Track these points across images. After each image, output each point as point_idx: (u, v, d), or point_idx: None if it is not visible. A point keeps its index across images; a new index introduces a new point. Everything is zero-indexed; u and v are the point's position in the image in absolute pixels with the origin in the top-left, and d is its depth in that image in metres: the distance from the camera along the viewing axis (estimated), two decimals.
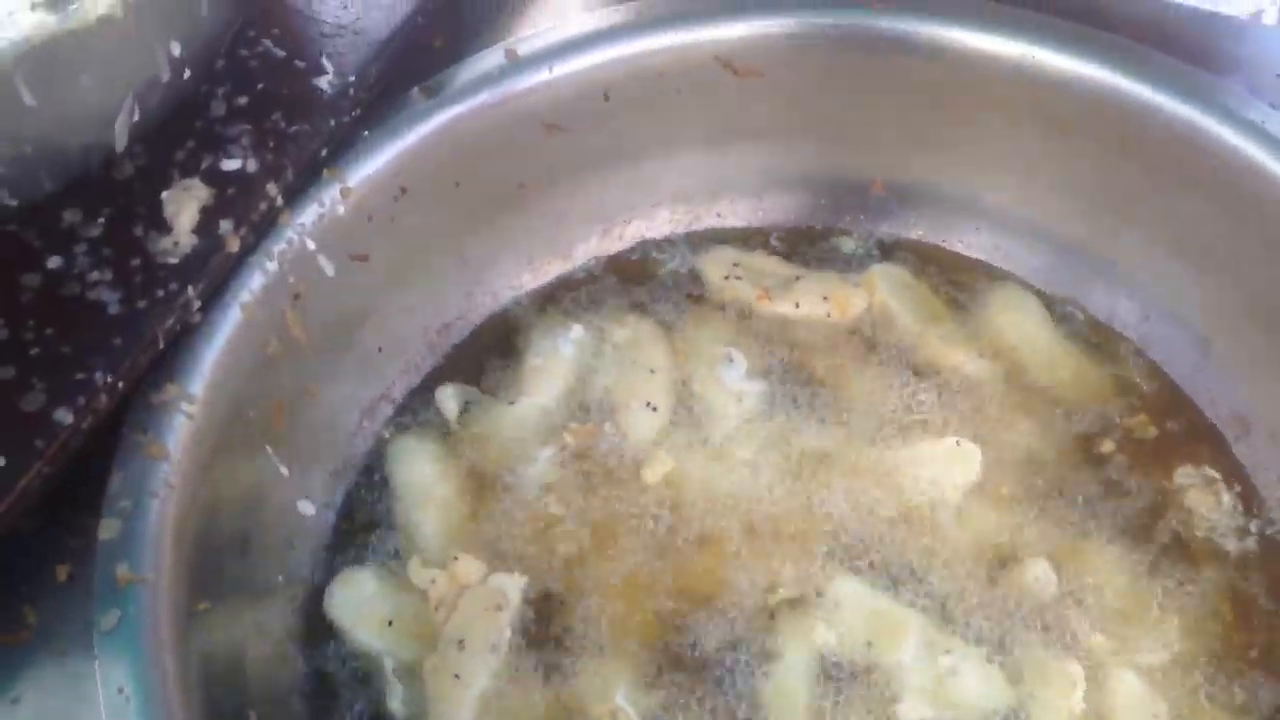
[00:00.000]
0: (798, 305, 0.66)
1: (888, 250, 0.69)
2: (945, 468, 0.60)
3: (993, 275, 0.68)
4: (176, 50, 0.48)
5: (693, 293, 0.68)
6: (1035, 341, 0.65)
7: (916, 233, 0.69)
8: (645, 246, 0.70)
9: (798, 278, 0.68)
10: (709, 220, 0.71)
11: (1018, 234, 0.67)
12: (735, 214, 0.71)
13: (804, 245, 0.70)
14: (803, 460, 0.61)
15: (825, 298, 0.66)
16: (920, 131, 0.66)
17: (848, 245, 0.70)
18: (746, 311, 0.67)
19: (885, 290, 0.66)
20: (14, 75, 0.41)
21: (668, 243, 0.71)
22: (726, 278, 0.68)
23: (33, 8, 0.41)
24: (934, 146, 0.66)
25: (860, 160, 0.68)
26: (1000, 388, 0.63)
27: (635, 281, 0.69)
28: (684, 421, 0.63)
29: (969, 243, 0.68)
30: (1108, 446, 0.61)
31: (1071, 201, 0.64)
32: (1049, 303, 0.66)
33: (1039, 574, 0.56)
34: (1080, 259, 0.66)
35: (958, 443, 0.60)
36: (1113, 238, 0.64)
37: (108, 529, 0.47)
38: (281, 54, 0.59)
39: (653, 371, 0.65)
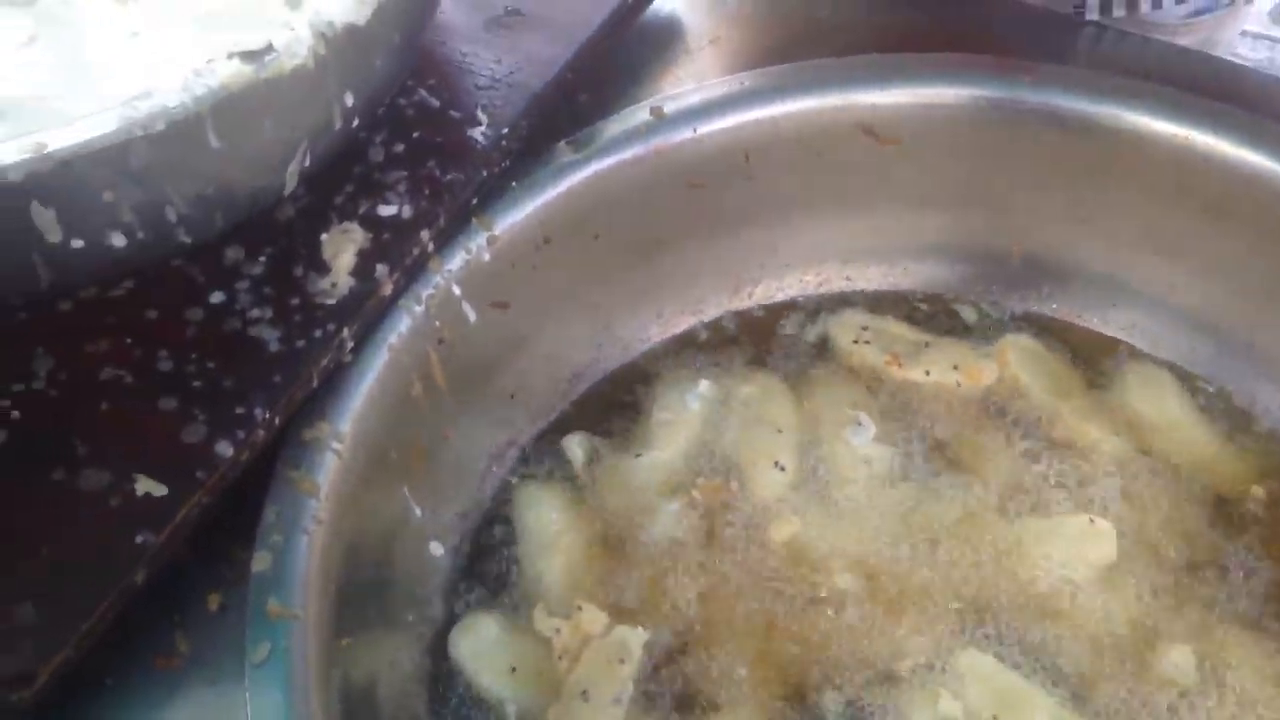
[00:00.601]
0: (928, 373, 0.66)
1: (1021, 322, 0.69)
2: (1078, 546, 0.59)
3: (1129, 353, 0.67)
4: (350, 100, 0.50)
5: (821, 354, 0.69)
6: (1172, 420, 0.64)
7: (1051, 306, 0.69)
8: (775, 306, 0.71)
9: (927, 344, 0.67)
10: (839, 283, 0.71)
11: (1157, 313, 0.66)
12: (866, 278, 0.71)
13: (935, 312, 0.70)
14: (930, 528, 0.61)
15: (956, 366, 0.66)
16: (1063, 205, 0.65)
17: (980, 314, 0.69)
18: (875, 376, 0.67)
19: (1017, 362, 0.66)
20: (205, 120, 0.43)
21: (798, 303, 0.71)
22: (855, 341, 0.68)
23: (230, 56, 0.43)
24: (1076, 221, 0.66)
25: (998, 230, 0.68)
26: (1135, 466, 0.62)
27: (764, 340, 0.70)
28: (810, 483, 0.63)
29: (1105, 319, 0.68)
30: (1247, 529, 0.60)
31: (1216, 283, 0.64)
32: (1187, 383, 0.65)
33: (1177, 660, 0.55)
34: (1222, 341, 0.65)
35: (1091, 521, 0.59)
36: (1257, 322, 0.63)
37: (260, 562, 0.48)
38: (437, 103, 0.61)
39: (780, 431, 0.65)
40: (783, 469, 0.63)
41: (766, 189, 0.67)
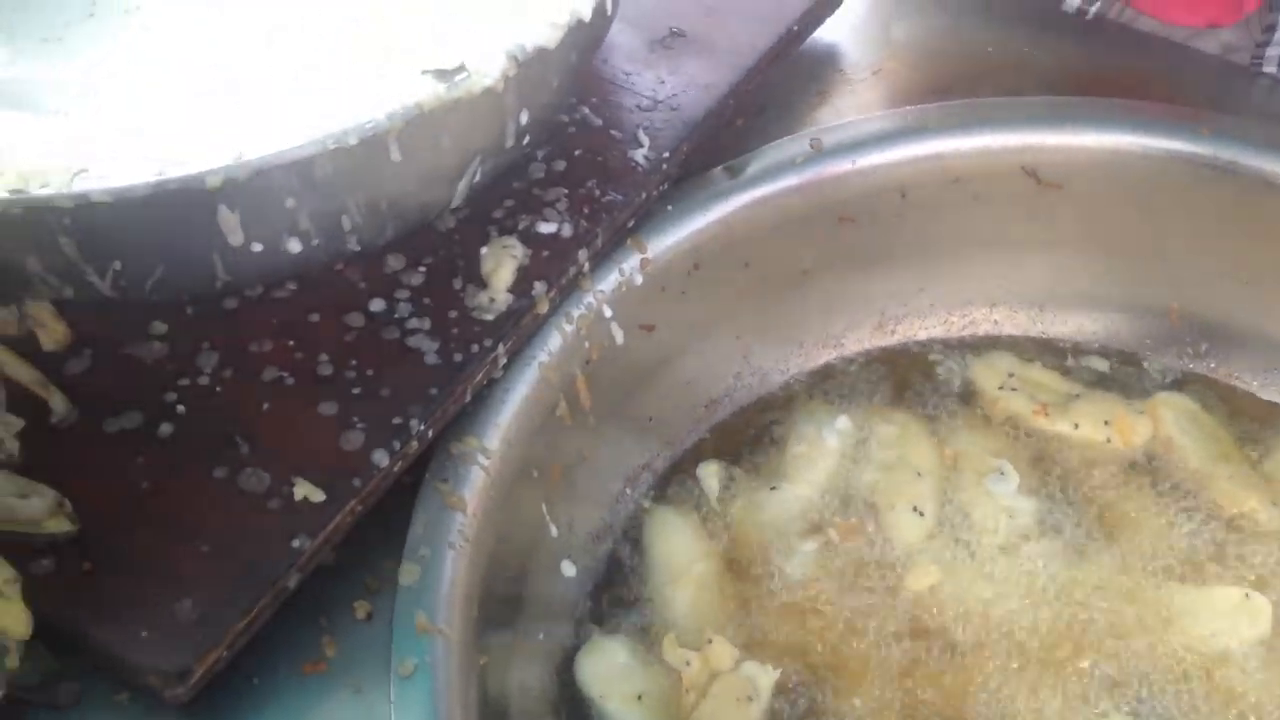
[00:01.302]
0: (1076, 426, 0.64)
1: (1177, 380, 0.66)
2: (1230, 619, 0.57)
3: None
4: (524, 118, 0.50)
5: (964, 398, 0.67)
6: None
7: (1209, 365, 0.66)
8: (919, 344, 0.70)
9: (1077, 396, 0.66)
10: (987, 326, 0.70)
11: None
12: (1015, 323, 0.70)
13: (1086, 363, 0.68)
14: (1073, 588, 0.59)
15: (1106, 422, 0.64)
16: (1229, 263, 0.63)
17: (1133, 369, 0.67)
18: (1020, 425, 0.65)
19: (1172, 421, 0.63)
20: (392, 136, 0.43)
21: (942, 343, 0.70)
22: (1001, 387, 0.67)
23: (423, 74, 0.43)
24: (1241, 281, 0.63)
25: (1157, 284, 0.66)
26: None
27: (906, 379, 0.68)
28: (949, 531, 0.61)
29: (1266, 383, 0.65)
30: None
31: None
32: None
33: None
34: None
35: (1246, 595, 0.57)
36: None
37: (408, 574, 0.48)
38: (599, 122, 0.60)
39: (919, 474, 0.63)
40: (921, 514, 0.61)
41: (919, 226, 0.66)
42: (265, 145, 0.41)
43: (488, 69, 0.43)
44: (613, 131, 0.60)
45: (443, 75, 0.43)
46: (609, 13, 0.47)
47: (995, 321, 0.70)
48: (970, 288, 0.69)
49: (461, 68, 0.43)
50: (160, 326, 0.52)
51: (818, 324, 0.68)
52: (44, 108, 0.57)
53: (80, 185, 0.39)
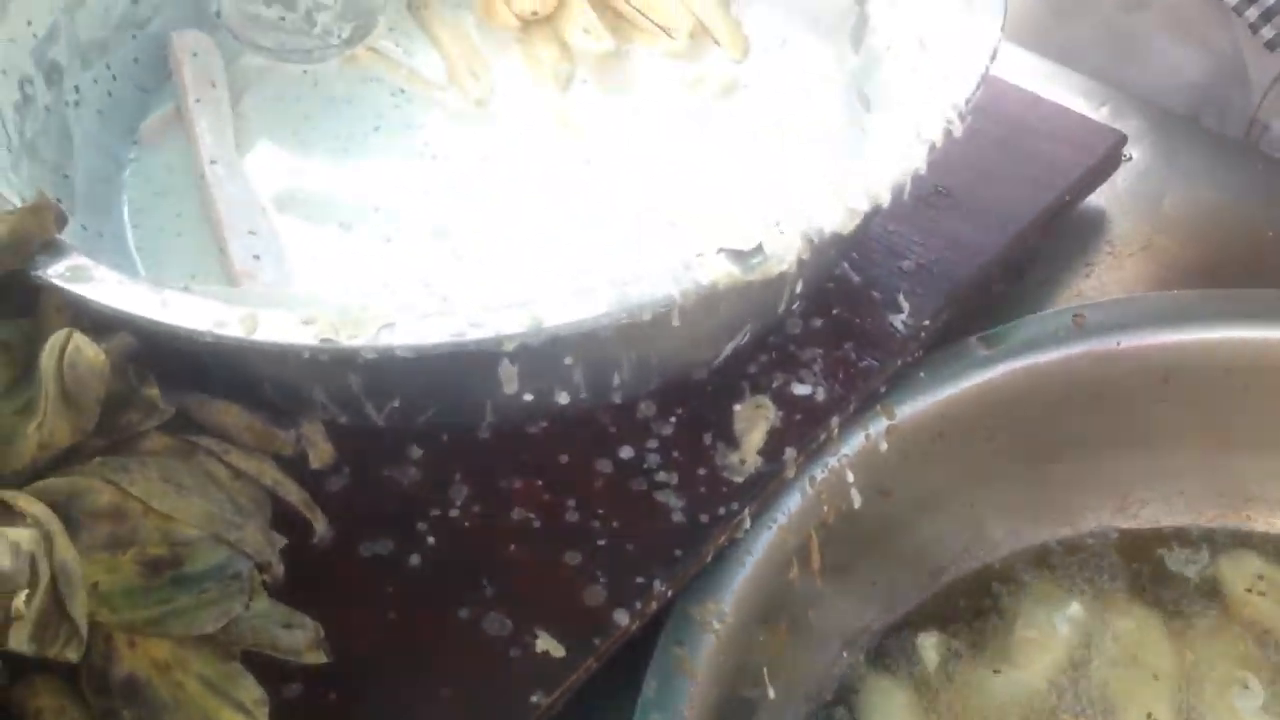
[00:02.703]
0: None
1: None
2: None
3: None
4: (800, 287, 0.49)
5: (1209, 597, 0.63)
6: None
7: None
8: (1161, 532, 0.66)
9: None
10: (1236, 521, 0.66)
11: None
12: (1270, 522, 0.65)
13: None
14: None
15: None
16: None
17: None
18: (1270, 634, 0.61)
19: None
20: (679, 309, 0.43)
21: (1186, 534, 0.66)
22: (1249, 590, 0.63)
23: (718, 252, 0.43)
24: None
25: None
26: None
27: (1144, 567, 0.65)
28: None
29: None
30: None
31: None
32: None
33: None
34: None
35: None
36: None
37: None
38: (858, 280, 0.60)
39: (1156, 678, 0.60)
40: None
41: (1179, 412, 0.63)
42: (561, 313, 0.41)
43: (784, 253, 0.43)
44: (872, 292, 0.59)
45: (739, 257, 0.42)
46: (905, 196, 0.46)
47: (1248, 517, 0.66)
48: (1225, 481, 0.65)
49: (759, 250, 0.43)
50: (417, 451, 0.53)
51: (1057, 500, 0.65)
52: (334, 220, 0.59)
53: (385, 339, 0.40)
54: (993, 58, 0.50)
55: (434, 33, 0.69)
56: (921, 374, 0.59)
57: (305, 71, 0.66)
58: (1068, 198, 0.63)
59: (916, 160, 0.46)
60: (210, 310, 0.42)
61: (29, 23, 0.58)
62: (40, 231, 0.43)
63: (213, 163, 0.60)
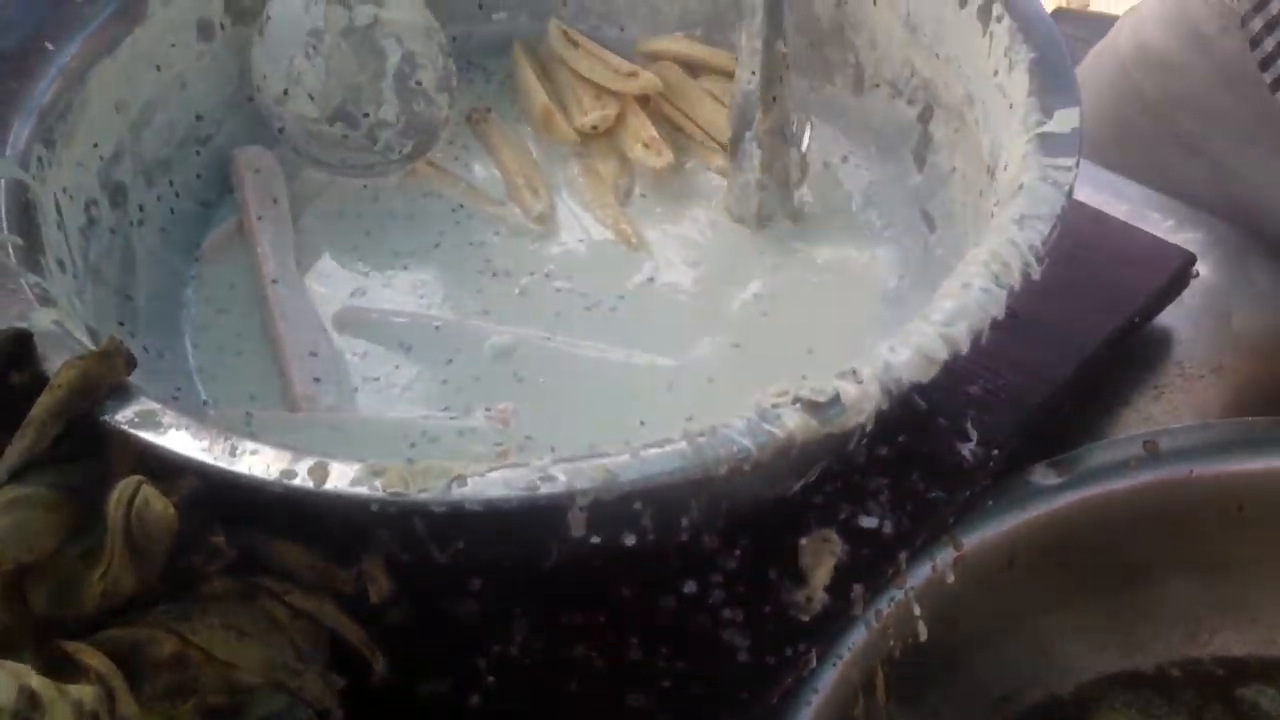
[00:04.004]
0: None
1: None
2: None
3: None
4: (869, 425, 0.48)
5: None
6: None
7: None
8: (1233, 662, 0.64)
9: None
10: None
11: None
12: None
13: None
14: None
15: None
16: None
17: None
18: None
19: None
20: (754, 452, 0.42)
21: (1259, 663, 0.64)
22: None
23: (794, 402, 0.42)
24: None
25: None
26: None
27: (1215, 698, 0.63)
28: None
29: None
30: None
31: None
32: None
33: None
34: None
35: None
36: None
37: None
38: (924, 405, 0.58)
39: None
40: None
41: (1253, 540, 0.61)
42: (635, 468, 0.40)
43: (862, 404, 0.42)
44: (939, 418, 0.58)
45: (816, 409, 0.41)
46: (983, 340, 0.45)
47: None
48: None
49: (836, 400, 0.42)
50: (477, 583, 0.52)
51: (1127, 629, 0.64)
52: (395, 340, 0.59)
53: (457, 493, 0.39)
54: (1069, 197, 0.49)
55: (493, 146, 0.69)
56: (990, 502, 0.58)
57: (365, 186, 0.66)
58: (1137, 320, 0.62)
59: (995, 308, 0.45)
60: (279, 460, 0.41)
61: (95, 145, 0.58)
62: (110, 376, 0.42)
63: (274, 281, 0.60)
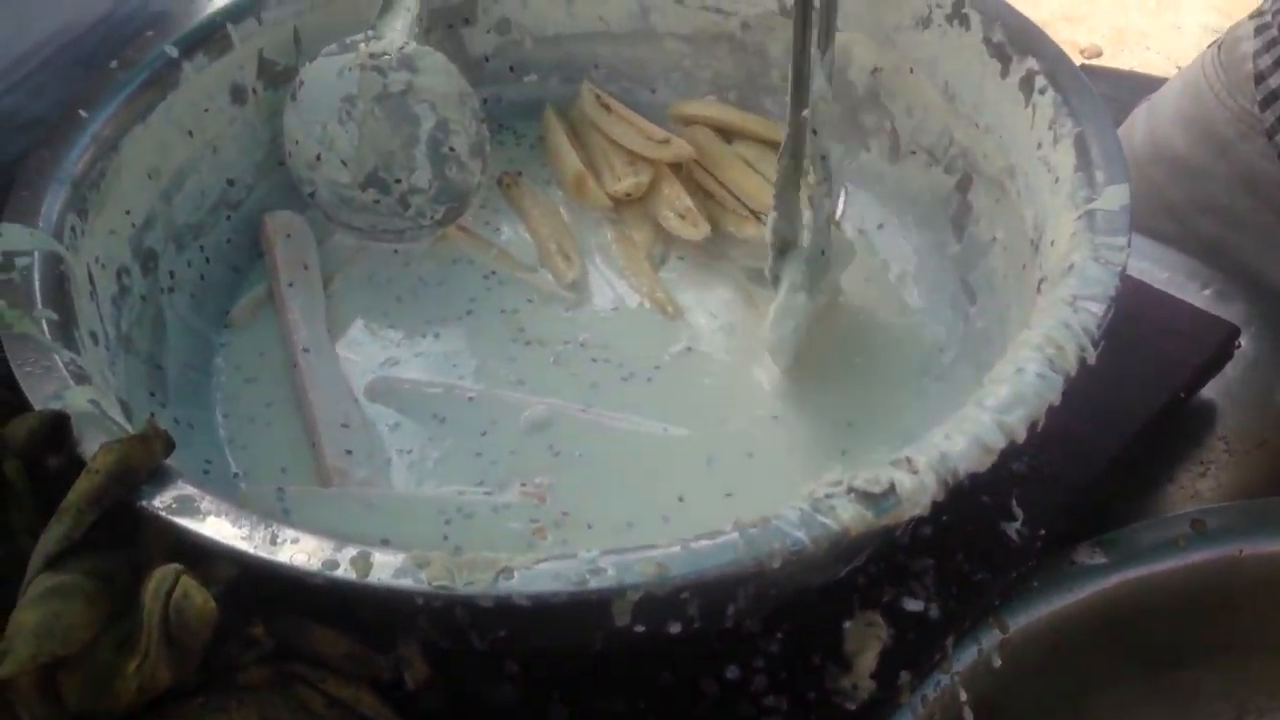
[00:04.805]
0: None
1: None
2: None
3: None
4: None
5: None
6: None
7: None
8: None
9: None
10: None
11: None
12: None
13: None
14: None
15: None
16: None
17: None
18: None
19: None
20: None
21: None
22: None
23: (848, 492, 0.41)
24: None
25: None
26: None
27: None
28: None
29: None
30: None
31: None
32: None
33: None
34: None
35: None
36: None
37: None
38: (968, 484, 0.57)
39: None
40: None
41: None
42: (687, 561, 0.39)
43: (918, 497, 0.41)
44: (983, 497, 0.57)
45: (870, 500, 0.40)
46: (1039, 428, 0.44)
47: None
48: None
49: (891, 491, 0.41)
50: (513, 666, 0.51)
51: (1174, 709, 0.62)
52: (428, 411, 0.58)
53: (504, 587, 0.38)
54: (1121, 277, 0.48)
55: (524, 210, 0.69)
56: (1035, 583, 0.57)
57: (396, 251, 0.66)
58: (1182, 395, 0.61)
59: (1052, 395, 0.44)
60: (321, 550, 0.40)
61: (127, 212, 0.58)
62: (149, 460, 0.41)
63: (306, 350, 0.59)
